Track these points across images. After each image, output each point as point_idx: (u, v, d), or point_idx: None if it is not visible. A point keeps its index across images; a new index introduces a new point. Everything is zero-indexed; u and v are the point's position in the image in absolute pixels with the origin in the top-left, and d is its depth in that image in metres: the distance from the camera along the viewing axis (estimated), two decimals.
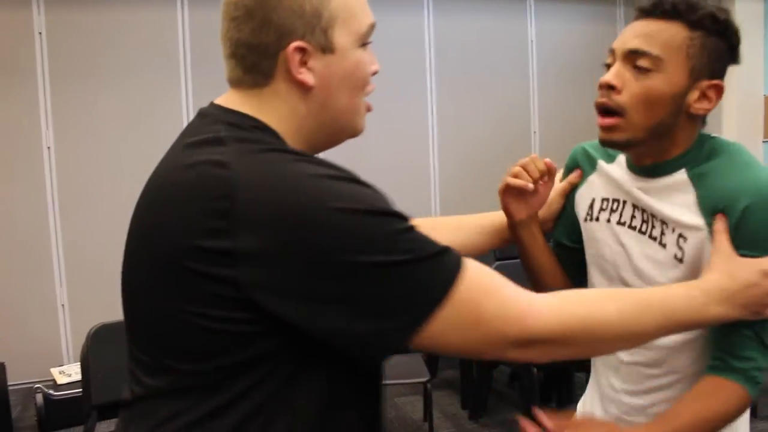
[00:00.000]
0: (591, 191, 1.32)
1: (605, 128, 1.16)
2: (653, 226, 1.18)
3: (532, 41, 5.04)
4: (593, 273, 1.32)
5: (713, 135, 1.21)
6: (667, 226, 1.16)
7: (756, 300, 1.04)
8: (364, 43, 0.93)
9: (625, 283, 1.23)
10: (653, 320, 0.96)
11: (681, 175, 1.16)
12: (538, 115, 5.09)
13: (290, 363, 0.84)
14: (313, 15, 0.88)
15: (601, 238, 1.27)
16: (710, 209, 1.11)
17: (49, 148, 4.10)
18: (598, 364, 1.35)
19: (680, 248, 1.14)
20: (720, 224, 1.09)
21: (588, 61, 5.08)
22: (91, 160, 4.14)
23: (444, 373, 4.16)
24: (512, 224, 1.33)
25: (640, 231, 1.21)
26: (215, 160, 0.82)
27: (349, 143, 0.97)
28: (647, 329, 0.97)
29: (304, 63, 0.89)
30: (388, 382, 3.38)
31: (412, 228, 0.83)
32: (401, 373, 3.48)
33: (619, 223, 1.24)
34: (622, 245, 1.23)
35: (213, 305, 0.80)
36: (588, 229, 1.31)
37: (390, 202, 0.84)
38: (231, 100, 0.92)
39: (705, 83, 1.14)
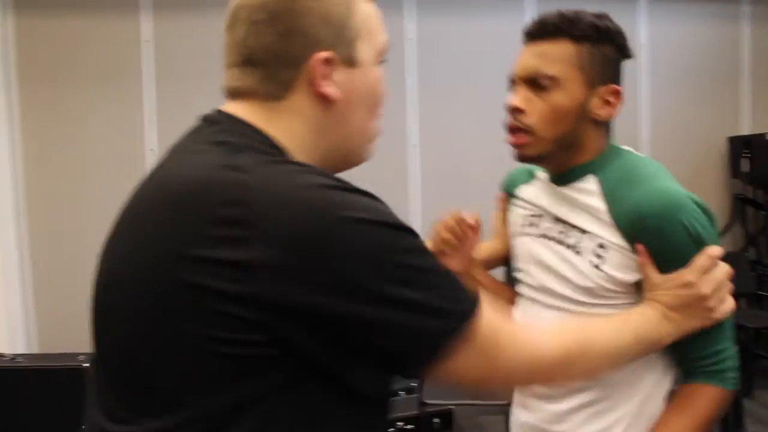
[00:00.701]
0: (516, 211, 1.42)
1: (517, 146, 1.25)
2: (569, 236, 1.25)
3: (642, 44, 4.65)
4: (520, 287, 1.38)
5: (625, 148, 1.31)
6: (584, 234, 1.23)
7: (697, 304, 1.10)
8: (381, 61, 0.91)
9: (549, 291, 1.28)
10: (628, 337, 1.03)
11: (591, 183, 1.24)
12: (651, 122, 4.68)
13: (303, 394, 0.76)
14: (340, 25, 0.84)
15: (524, 252, 1.36)
16: (624, 225, 1.17)
17: (152, 150, 4.32)
18: None
19: (598, 256, 1.20)
20: (642, 257, 1.15)
21: (708, 63, 4.71)
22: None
23: None
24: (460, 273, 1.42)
25: (557, 241, 1.27)
26: (229, 163, 0.75)
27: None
28: (625, 346, 1.03)
29: (327, 76, 0.83)
30: (467, 402, 3.27)
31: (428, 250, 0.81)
32: (480, 393, 3.35)
33: (540, 235, 1.32)
34: (543, 255, 1.30)
35: (220, 325, 0.71)
36: (514, 246, 1.41)
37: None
38: (239, 110, 0.85)
39: (603, 89, 1.23)
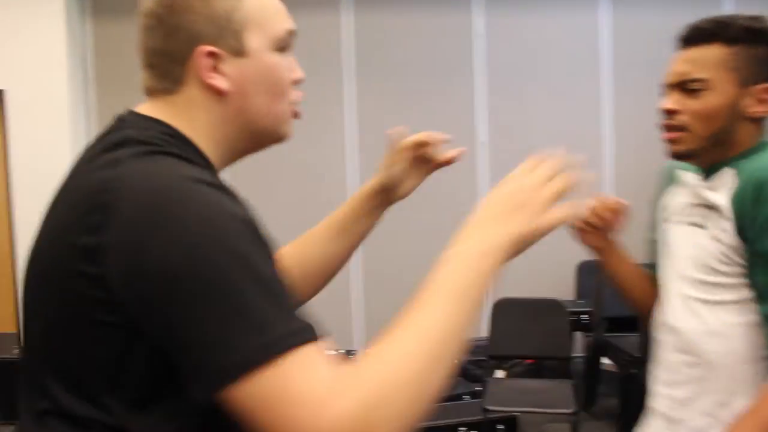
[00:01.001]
0: (669, 199, 1.48)
1: (671, 141, 1.33)
2: (705, 217, 1.33)
3: None
4: (662, 267, 1.47)
5: None
6: (716, 212, 1.30)
7: (521, 200, 0.90)
8: (281, 48, 0.93)
9: (680, 273, 1.38)
10: (451, 304, 0.80)
11: (729, 173, 1.30)
12: None
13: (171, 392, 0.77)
14: (224, 18, 0.88)
15: (668, 235, 1.45)
16: (734, 195, 1.26)
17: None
18: (653, 363, 1.46)
19: (719, 228, 1.28)
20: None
21: None
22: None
23: (605, 401, 3.83)
24: (596, 252, 1.53)
25: (693, 224, 1.35)
26: (107, 157, 0.81)
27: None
28: (453, 315, 0.79)
29: (215, 68, 0.88)
30: (532, 409, 3.20)
31: (273, 264, 0.77)
32: (545, 401, 3.27)
33: (680, 221, 1.40)
34: (680, 238, 1.39)
35: (92, 310, 0.76)
36: (663, 232, 1.49)
37: (261, 226, 0.78)
38: (146, 107, 0.93)
39: (757, 88, 1.28)
